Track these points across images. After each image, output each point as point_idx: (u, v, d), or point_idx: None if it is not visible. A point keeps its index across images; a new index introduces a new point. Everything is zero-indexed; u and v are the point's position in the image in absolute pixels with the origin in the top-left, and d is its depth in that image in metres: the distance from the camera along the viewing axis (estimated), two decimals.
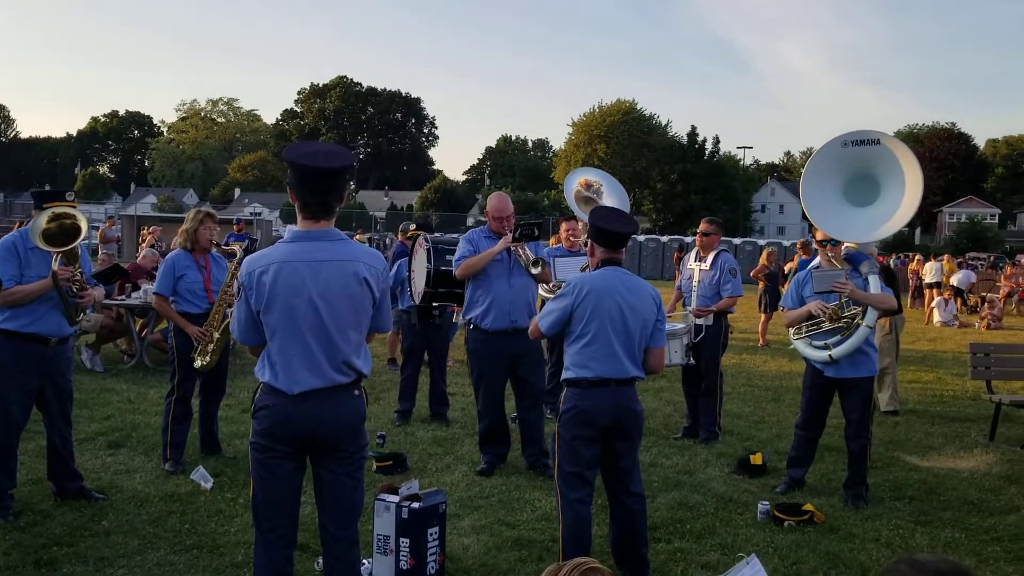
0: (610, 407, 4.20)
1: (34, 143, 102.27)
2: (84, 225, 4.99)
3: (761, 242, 37.28)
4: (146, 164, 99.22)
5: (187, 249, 6.17)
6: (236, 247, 6.28)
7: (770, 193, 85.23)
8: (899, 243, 51.58)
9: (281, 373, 3.29)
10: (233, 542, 4.72)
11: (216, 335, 6.01)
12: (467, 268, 6.15)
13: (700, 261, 7.50)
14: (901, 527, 5.32)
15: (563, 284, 6.16)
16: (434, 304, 7.51)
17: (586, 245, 7.17)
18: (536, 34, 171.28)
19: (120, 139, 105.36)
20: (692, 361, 7.24)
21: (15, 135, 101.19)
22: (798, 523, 5.26)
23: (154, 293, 6.29)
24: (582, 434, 4.19)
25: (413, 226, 10.33)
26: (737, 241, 37.27)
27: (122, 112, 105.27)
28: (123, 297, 9.98)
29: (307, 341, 3.27)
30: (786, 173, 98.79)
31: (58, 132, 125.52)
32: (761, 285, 14.84)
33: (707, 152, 66.85)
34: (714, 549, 4.89)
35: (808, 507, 5.38)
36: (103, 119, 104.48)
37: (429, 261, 7.05)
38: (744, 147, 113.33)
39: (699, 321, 7.32)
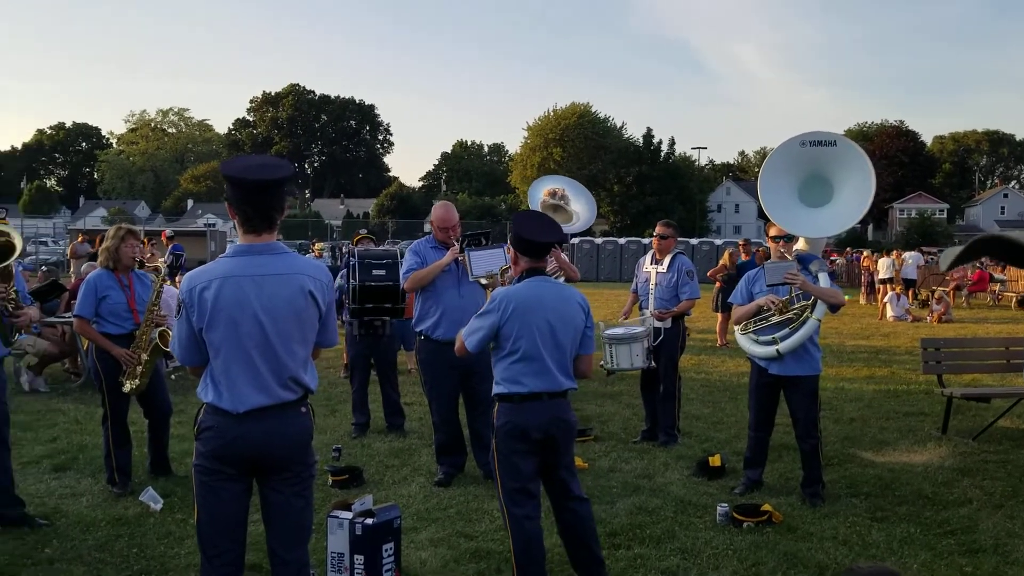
0: (543, 420, 4.11)
1: None
2: (19, 243, 4.85)
3: (718, 242, 37.63)
4: (95, 176, 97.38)
5: (109, 268, 5.92)
6: (160, 264, 6.09)
7: (725, 193, 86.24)
8: (852, 239, 52.49)
9: (225, 392, 3.20)
10: (183, 565, 4.60)
11: (144, 357, 5.82)
12: (416, 281, 6.07)
13: (656, 264, 7.50)
14: (858, 524, 5.35)
15: (480, 279, 6.15)
16: (367, 318, 7.42)
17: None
18: (490, 38, 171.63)
19: (68, 151, 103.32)
20: (653, 364, 7.24)
21: None
22: (757, 524, 5.25)
23: (75, 315, 5.98)
24: (519, 448, 4.11)
25: (364, 232, 10.21)
26: (694, 241, 37.53)
27: (69, 124, 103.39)
28: (69, 314, 9.73)
29: (252, 358, 3.18)
30: (741, 173, 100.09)
31: (2, 145, 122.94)
32: (718, 285, 14.94)
33: (663, 154, 67.35)
34: (674, 554, 4.87)
35: (766, 507, 5.38)
36: (49, 131, 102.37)
37: (354, 277, 6.94)
38: (699, 148, 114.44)
39: (658, 324, 7.32)
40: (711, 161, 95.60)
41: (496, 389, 4.19)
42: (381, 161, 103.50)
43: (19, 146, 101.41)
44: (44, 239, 44.87)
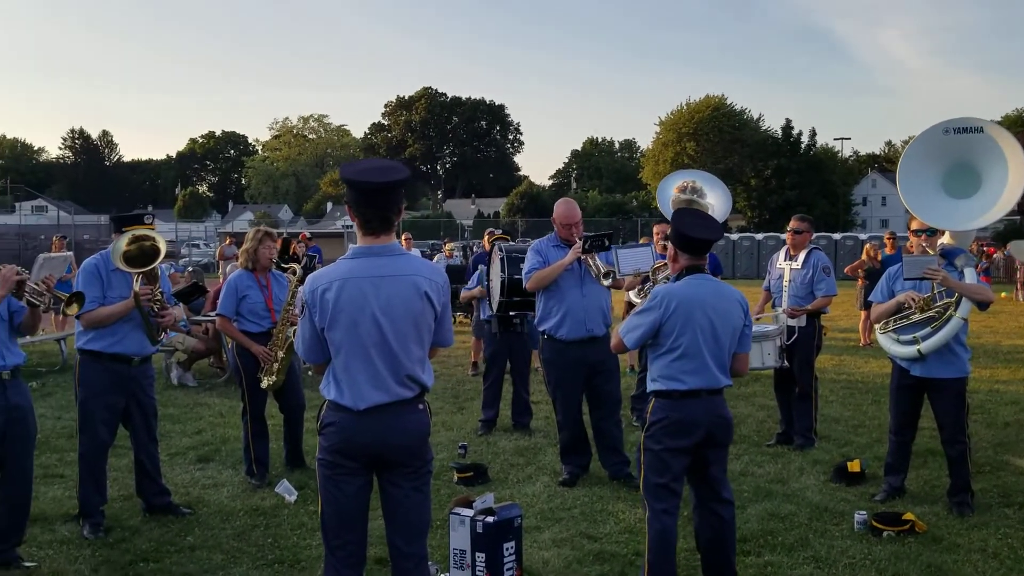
0: (703, 418, 4.06)
1: (137, 165, 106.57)
2: (163, 246, 5.11)
3: (863, 236, 36.00)
4: (242, 182, 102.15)
5: (248, 269, 6.23)
6: (295, 265, 6.31)
7: (871, 185, 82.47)
8: (1011, 232, 49.08)
9: (346, 390, 3.29)
10: (314, 556, 4.74)
11: (280, 354, 6.07)
12: (538, 281, 6.07)
13: (791, 260, 7.22)
14: (1010, 536, 4.99)
15: (625, 276, 6.07)
16: (512, 312, 7.44)
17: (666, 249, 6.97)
18: (619, 33, 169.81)
19: (217, 159, 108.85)
20: (786, 363, 6.99)
21: (118, 159, 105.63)
22: (898, 533, 4.98)
23: (217, 314, 6.38)
24: (673, 445, 4.06)
25: (499, 231, 10.28)
26: (837, 236, 36.00)
27: (218, 133, 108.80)
28: (213, 313, 10.23)
29: (371, 357, 3.26)
30: (888, 164, 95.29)
31: (159, 154, 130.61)
32: (860, 282, 14.27)
33: (803, 145, 65.00)
34: (807, 562, 4.67)
35: (909, 516, 5.10)
36: (201, 140, 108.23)
37: (503, 270, 7.00)
38: (841, 138, 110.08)
39: (791, 322, 7.05)
40: (855, 152, 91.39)
41: (652, 386, 4.16)
42: (511, 160, 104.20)
43: (173, 155, 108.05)
44: (196, 242, 47.60)
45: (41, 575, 4.54)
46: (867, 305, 13.58)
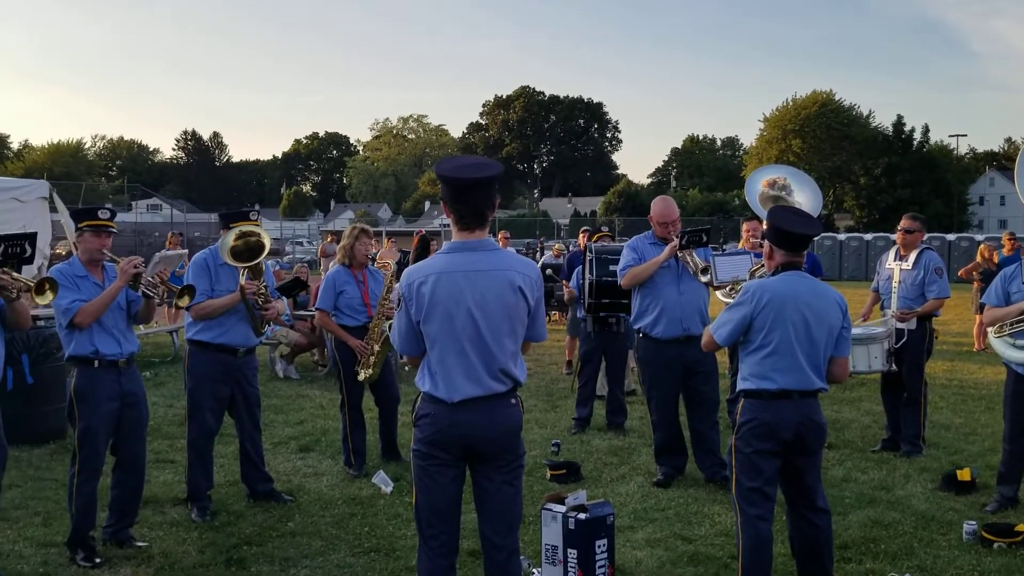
0: (793, 420, 3.93)
1: (244, 166, 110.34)
2: (268, 242, 5.30)
3: (979, 237, 34.34)
4: (344, 181, 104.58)
5: (345, 265, 6.39)
6: (389, 261, 6.45)
7: (989, 184, 78.73)
8: None
9: (441, 382, 3.34)
10: (409, 546, 4.82)
11: (376, 348, 6.19)
12: (633, 278, 6.01)
13: (901, 260, 6.94)
14: None
15: (723, 284, 5.96)
16: (601, 314, 7.40)
17: (761, 247, 6.78)
18: (722, 27, 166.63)
19: (320, 159, 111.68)
20: (894, 367, 6.75)
21: (228, 159, 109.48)
22: (1009, 545, 4.76)
23: (316, 308, 6.61)
24: (763, 447, 3.95)
25: (605, 229, 10.24)
26: (951, 237, 34.44)
27: (322, 133, 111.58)
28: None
29: (465, 350, 3.30)
30: (1007, 162, 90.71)
31: (265, 155, 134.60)
32: (976, 284, 13.65)
33: (915, 142, 62.60)
34: (911, 571, 4.51)
35: (1022, 528, 4.86)
36: (305, 141, 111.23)
37: (591, 272, 6.97)
38: (957, 135, 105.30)
39: (901, 325, 6.80)
40: (972, 149, 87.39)
41: (742, 385, 4.06)
42: (609, 159, 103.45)
43: (279, 155, 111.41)
44: (300, 239, 49.04)
45: (151, 555, 4.76)
46: (982, 308, 13.01)
